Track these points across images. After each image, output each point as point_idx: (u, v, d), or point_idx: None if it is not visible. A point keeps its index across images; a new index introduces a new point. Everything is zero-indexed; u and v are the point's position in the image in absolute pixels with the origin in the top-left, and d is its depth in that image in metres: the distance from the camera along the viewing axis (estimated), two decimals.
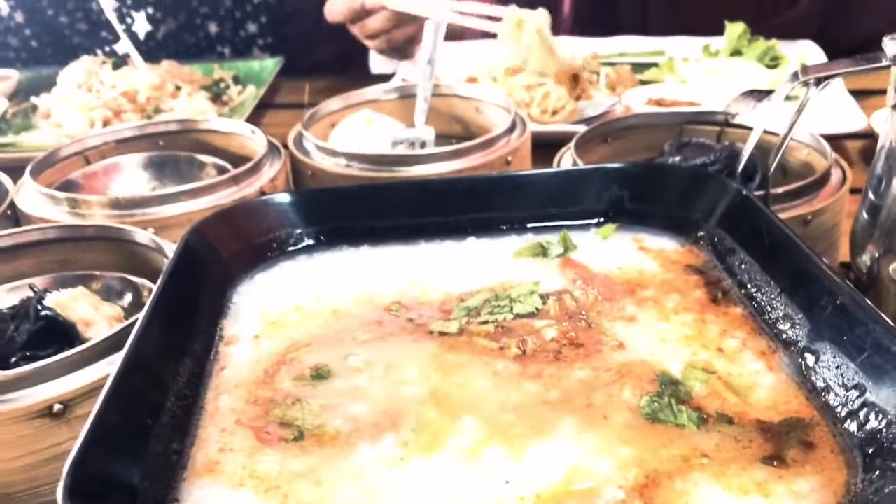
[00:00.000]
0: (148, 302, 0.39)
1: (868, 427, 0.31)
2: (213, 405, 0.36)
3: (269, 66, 1.10)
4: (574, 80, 0.91)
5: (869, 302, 0.35)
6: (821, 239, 0.56)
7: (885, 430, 0.31)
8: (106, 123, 0.91)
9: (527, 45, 0.92)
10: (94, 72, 0.99)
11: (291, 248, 0.48)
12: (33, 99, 0.99)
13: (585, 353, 0.38)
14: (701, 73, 0.98)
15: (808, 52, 1.02)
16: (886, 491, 0.28)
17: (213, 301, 0.43)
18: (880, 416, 0.31)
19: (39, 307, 0.49)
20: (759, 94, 0.62)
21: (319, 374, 0.38)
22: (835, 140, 0.79)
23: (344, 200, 0.50)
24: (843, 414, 0.33)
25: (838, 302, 0.36)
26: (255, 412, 0.35)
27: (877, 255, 0.49)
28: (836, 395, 0.34)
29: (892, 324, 0.33)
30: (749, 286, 0.42)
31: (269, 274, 0.46)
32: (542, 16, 0.94)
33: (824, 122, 0.79)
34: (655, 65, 1.04)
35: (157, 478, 0.31)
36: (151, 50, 1.07)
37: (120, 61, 1.02)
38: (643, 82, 0.97)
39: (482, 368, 0.37)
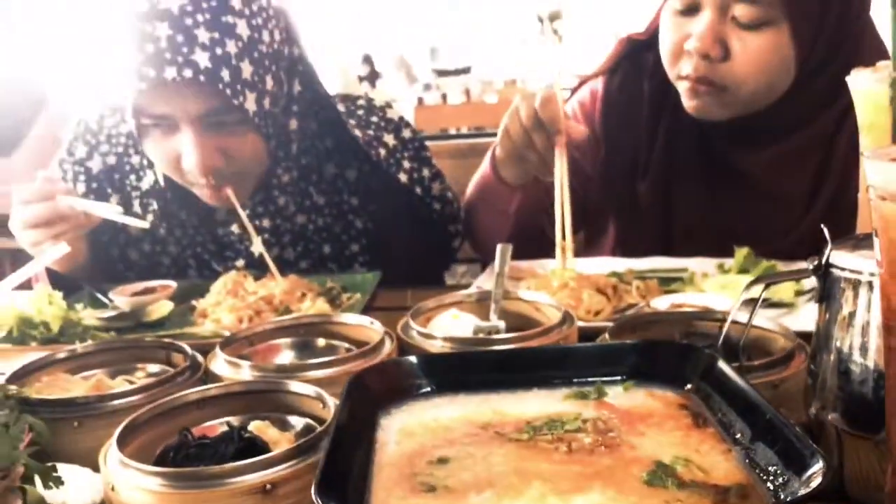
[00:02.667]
0: (334, 417, 0.62)
1: (778, 483, 0.52)
2: (378, 475, 0.58)
3: (369, 278, 1.38)
4: (613, 290, 1.17)
5: (781, 415, 0.56)
6: (789, 399, 0.77)
7: (784, 485, 0.52)
8: (250, 320, 1.19)
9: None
10: (239, 282, 1.28)
11: (415, 393, 0.71)
12: (193, 302, 1.28)
13: (609, 451, 0.60)
14: (716, 286, 1.22)
15: None
16: None
17: (369, 422, 0.66)
18: (784, 477, 0.52)
19: (242, 432, 0.73)
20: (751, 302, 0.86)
21: (441, 460, 0.60)
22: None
23: (448, 363, 0.74)
24: (766, 479, 0.54)
25: (767, 418, 0.58)
26: (405, 478, 0.58)
27: (819, 407, 0.70)
28: (763, 469, 0.55)
29: (793, 427, 0.55)
30: (719, 415, 0.64)
31: (401, 408, 0.69)
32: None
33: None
34: (680, 279, 1.29)
35: None
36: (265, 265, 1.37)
37: (260, 274, 1.32)
38: (668, 292, 1.22)
39: (544, 458, 0.59)
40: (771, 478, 0.54)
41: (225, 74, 1.22)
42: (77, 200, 1.32)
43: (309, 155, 1.45)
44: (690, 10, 1.31)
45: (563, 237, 1.29)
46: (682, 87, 1.36)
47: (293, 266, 1.44)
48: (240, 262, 1.45)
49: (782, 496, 0.51)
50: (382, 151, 1.49)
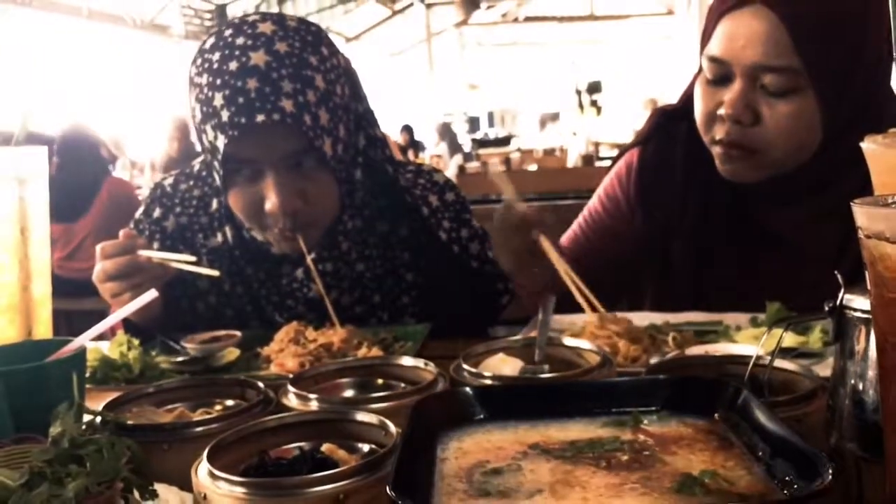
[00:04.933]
0: (401, 438, 0.71)
1: (793, 490, 0.60)
2: (440, 483, 0.67)
3: (420, 329, 1.47)
4: (650, 339, 1.25)
5: (797, 436, 0.64)
6: (813, 433, 0.83)
7: (802, 493, 0.59)
8: (311, 365, 1.28)
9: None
10: (300, 330, 1.39)
11: (470, 420, 0.79)
12: (258, 349, 1.39)
13: (644, 467, 0.68)
14: (748, 337, 1.29)
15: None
16: None
17: (430, 442, 0.74)
18: (799, 486, 0.60)
19: (315, 454, 0.82)
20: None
21: (494, 472, 0.68)
22: None
23: (500, 394, 0.83)
24: (783, 488, 0.61)
25: (784, 436, 0.65)
26: (463, 485, 0.66)
27: (838, 437, 0.77)
28: (781, 480, 0.62)
29: (805, 444, 0.62)
30: (744, 438, 0.71)
31: (458, 432, 0.77)
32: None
33: None
34: (714, 332, 1.36)
35: None
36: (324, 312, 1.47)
37: (319, 325, 1.42)
38: (703, 343, 1.29)
39: (585, 472, 0.67)
40: (788, 486, 0.61)
41: (307, 119, 1.38)
42: (155, 253, 1.45)
43: (369, 207, 1.57)
44: (722, 80, 1.42)
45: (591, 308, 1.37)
46: (716, 152, 1.46)
47: (348, 311, 1.55)
48: (301, 308, 1.55)
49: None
50: (425, 210, 1.61)
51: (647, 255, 1.65)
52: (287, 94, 1.36)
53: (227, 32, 1.42)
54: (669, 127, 1.62)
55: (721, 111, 1.40)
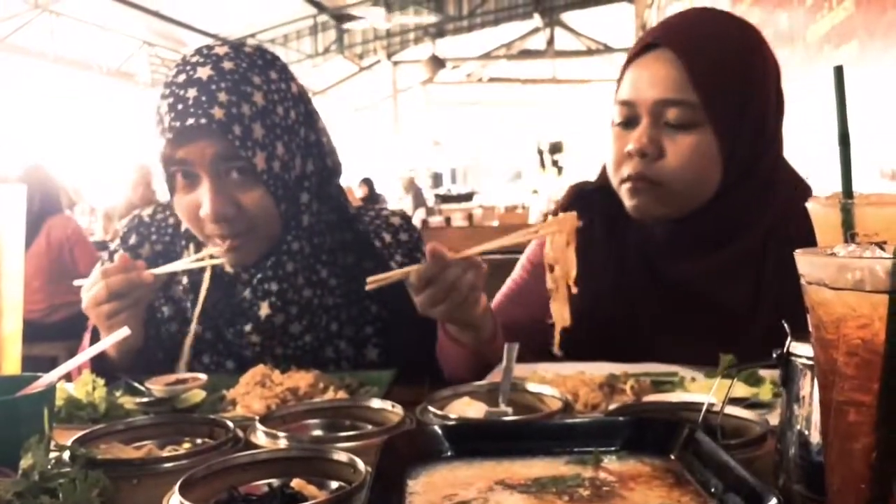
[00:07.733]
0: (373, 471, 0.74)
1: None
2: None
3: (385, 376, 1.50)
4: (609, 387, 1.29)
5: (745, 471, 0.68)
6: (763, 473, 0.87)
7: None
8: (277, 406, 1.29)
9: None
10: (267, 374, 1.40)
11: (438, 457, 0.82)
12: (224, 391, 1.39)
13: (604, 501, 0.71)
14: (702, 388, 1.34)
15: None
16: None
17: (399, 477, 0.77)
18: None
19: (285, 489, 0.84)
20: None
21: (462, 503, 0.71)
22: None
23: (467, 432, 0.86)
24: None
25: (736, 474, 0.69)
26: None
27: (785, 479, 0.81)
28: None
29: (753, 478, 0.66)
30: (698, 475, 0.75)
31: (426, 467, 0.80)
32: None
33: None
34: (670, 382, 1.41)
35: None
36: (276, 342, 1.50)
37: (285, 369, 1.44)
38: (659, 392, 1.34)
39: None
40: None
41: (237, 129, 1.44)
42: (162, 269, 1.52)
43: (321, 235, 1.61)
44: (630, 123, 1.53)
45: None
46: (624, 189, 1.54)
47: (298, 339, 1.58)
48: (248, 327, 1.57)
49: None
50: (377, 243, 1.66)
51: (581, 316, 1.67)
52: (221, 104, 1.44)
53: (190, 54, 1.54)
54: (585, 197, 1.69)
55: (628, 147, 1.48)
